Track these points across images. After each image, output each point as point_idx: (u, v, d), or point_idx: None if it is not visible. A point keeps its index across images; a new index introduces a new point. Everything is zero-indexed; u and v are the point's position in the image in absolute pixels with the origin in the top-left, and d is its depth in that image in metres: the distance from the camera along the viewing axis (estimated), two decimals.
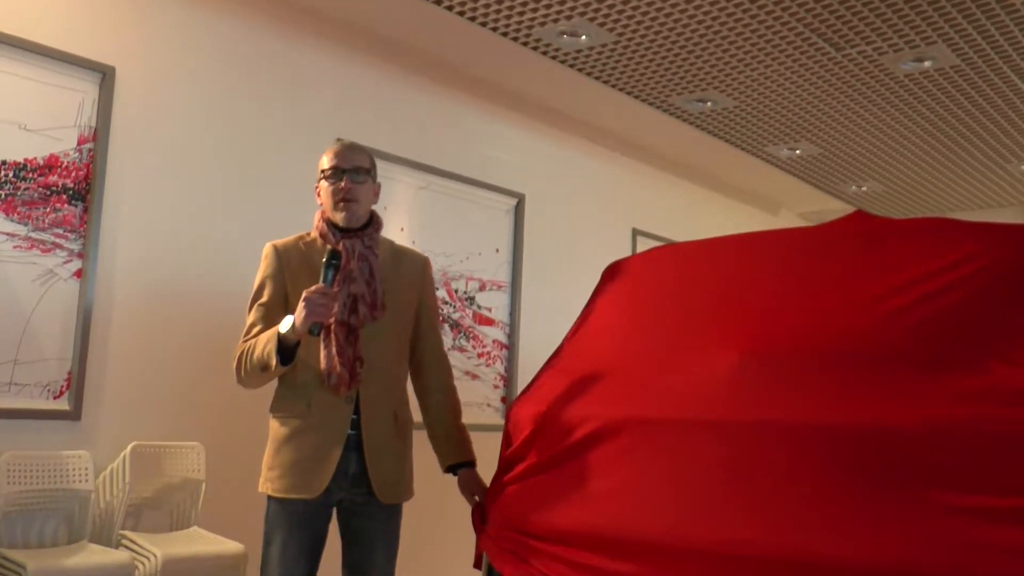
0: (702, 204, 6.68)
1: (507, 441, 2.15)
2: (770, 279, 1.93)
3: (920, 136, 5.54)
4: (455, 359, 4.67)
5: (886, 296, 1.75)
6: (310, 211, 4.14)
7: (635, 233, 6.00)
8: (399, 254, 2.49)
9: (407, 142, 4.53)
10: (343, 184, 2.34)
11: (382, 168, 4.29)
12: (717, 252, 2.14)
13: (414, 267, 2.48)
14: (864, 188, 6.78)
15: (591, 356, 2.10)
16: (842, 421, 1.60)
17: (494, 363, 4.93)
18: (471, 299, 4.83)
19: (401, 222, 4.47)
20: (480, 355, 4.84)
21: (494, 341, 4.94)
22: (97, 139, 3.37)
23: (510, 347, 5.02)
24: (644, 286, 2.19)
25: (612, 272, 2.34)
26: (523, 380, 5.01)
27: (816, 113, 5.20)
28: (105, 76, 3.42)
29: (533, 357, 5.09)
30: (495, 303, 4.98)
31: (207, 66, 3.76)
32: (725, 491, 1.66)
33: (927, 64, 4.39)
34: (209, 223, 3.71)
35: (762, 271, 1.97)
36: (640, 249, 6.02)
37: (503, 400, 4.96)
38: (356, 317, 2.29)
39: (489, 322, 4.93)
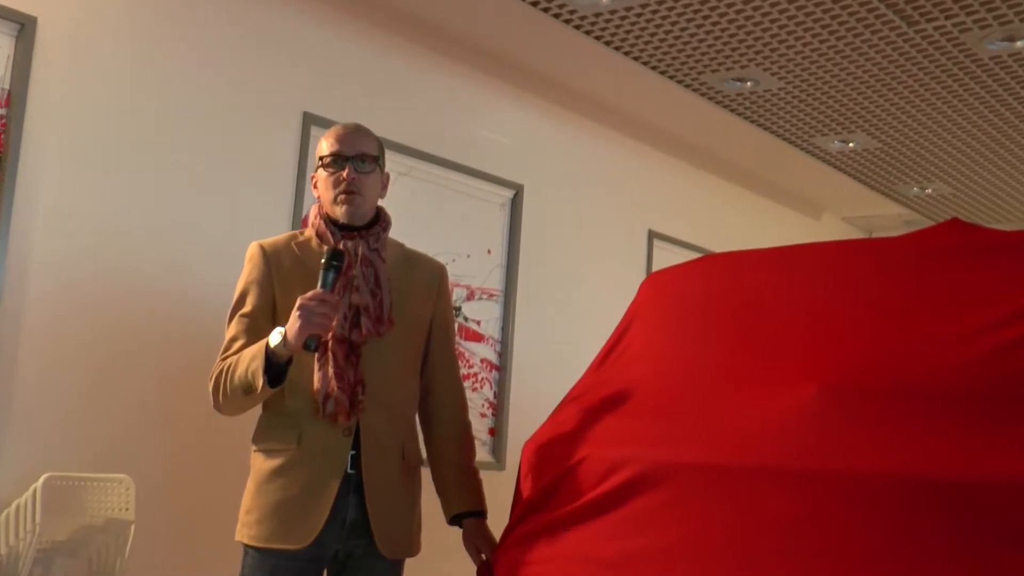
0: (731, 204, 6.69)
1: (522, 488, 2.14)
2: (852, 299, 1.93)
3: (1004, 131, 5.57)
4: None
5: (994, 326, 1.75)
6: (275, 199, 4.15)
7: (651, 236, 6.03)
8: (411, 259, 2.51)
9: (385, 118, 4.50)
10: (345, 174, 2.35)
11: None
12: (785, 264, 2.15)
13: (429, 275, 2.51)
14: (928, 190, 6.82)
15: (629, 386, 2.10)
16: (943, 474, 1.59)
17: (482, 387, 4.91)
18: (456, 309, 4.82)
19: None
20: (466, 377, 4.82)
21: (483, 360, 4.92)
22: (11, 104, 3.31)
23: (502, 368, 5.01)
24: (694, 303, 2.19)
25: (654, 285, 2.34)
26: (516, 408, 5.00)
27: (878, 99, 5.21)
28: (23, 28, 3.35)
29: (529, 381, 5.07)
30: (485, 315, 4.96)
31: (152, 19, 3.71)
32: (798, 555, 1.65)
33: (1020, 44, 4.41)
34: (149, 211, 3.66)
35: (842, 289, 1.96)
36: (657, 255, 6.04)
37: (492, 432, 4.95)
38: (358, 332, 2.30)
39: (477, 337, 4.91)
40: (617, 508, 1.87)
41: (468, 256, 4.89)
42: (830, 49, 4.61)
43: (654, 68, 5.01)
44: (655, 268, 5.96)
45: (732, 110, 5.54)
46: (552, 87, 5.32)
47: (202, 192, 3.83)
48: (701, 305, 2.17)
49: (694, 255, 6.12)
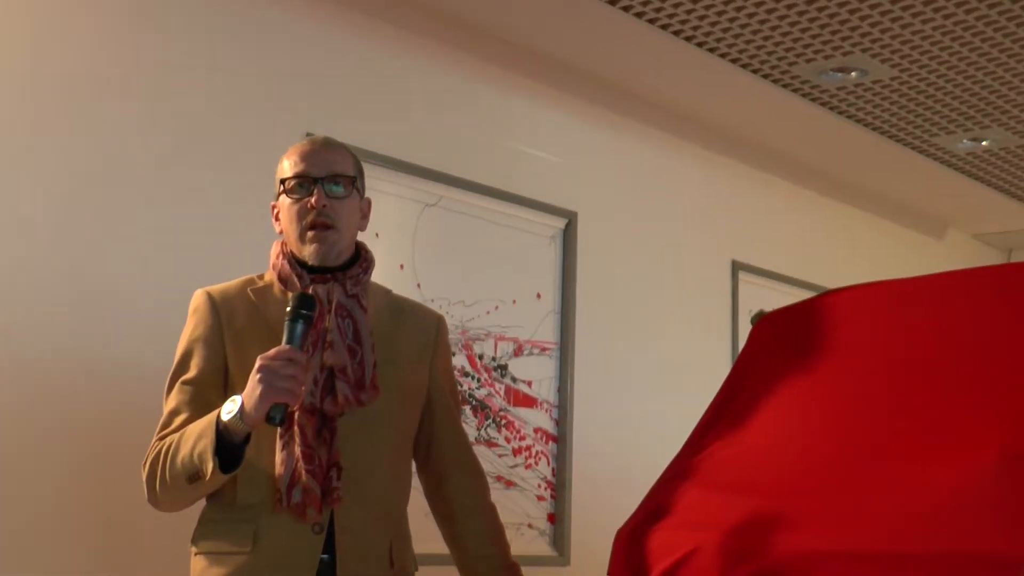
0: (831, 224, 6.67)
1: None
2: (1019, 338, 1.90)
3: None
4: (480, 456, 4.59)
5: None
6: (271, 240, 4.11)
7: (736, 267, 6.04)
8: (399, 308, 2.53)
9: (407, 137, 4.51)
10: (314, 200, 2.34)
11: (371, 176, 4.23)
12: (930, 298, 2.15)
13: (422, 328, 2.52)
14: None
15: (749, 457, 2.10)
16: None
17: (537, 463, 4.90)
18: (502, 368, 4.81)
19: (399, 255, 4.47)
20: (516, 451, 4.82)
21: (536, 430, 4.91)
22: None
23: (561, 439, 4.99)
24: (823, 350, 2.18)
25: (769, 329, 2.35)
26: (581, 487, 4.96)
27: (1018, 84, 5.17)
28: None
29: (595, 454, 5.04)
30: (537, 373, 4.95)
31: (121, 23, 3.75)
32: None
33: None
34: (105, 257, 3.63)
35: (1006, 326, 1.95)
36: (744, 290, 6.04)
37: (551, 519, 4.92)
38: (333, 401, 2.29)
39: (529, 402, 4.90)
40: None
41: (514, 302, 4.88)
42: (956, 25, 4.58)
43: (734, 61, 5.01)
44: (742, 306, 5.96)
45: (832, 108, 5.52)
46: (608, 90, 5.33)
47: (181, 233, 3.81)
48: (832, 352, 2.17)
49: (789, 289, 6.11)
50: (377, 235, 4.32)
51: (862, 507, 1.84)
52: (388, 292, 2.55)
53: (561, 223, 5.11)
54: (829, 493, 1.91)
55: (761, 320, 2.38)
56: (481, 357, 4.72)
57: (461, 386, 4.54)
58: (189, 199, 3.85)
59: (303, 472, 2.22)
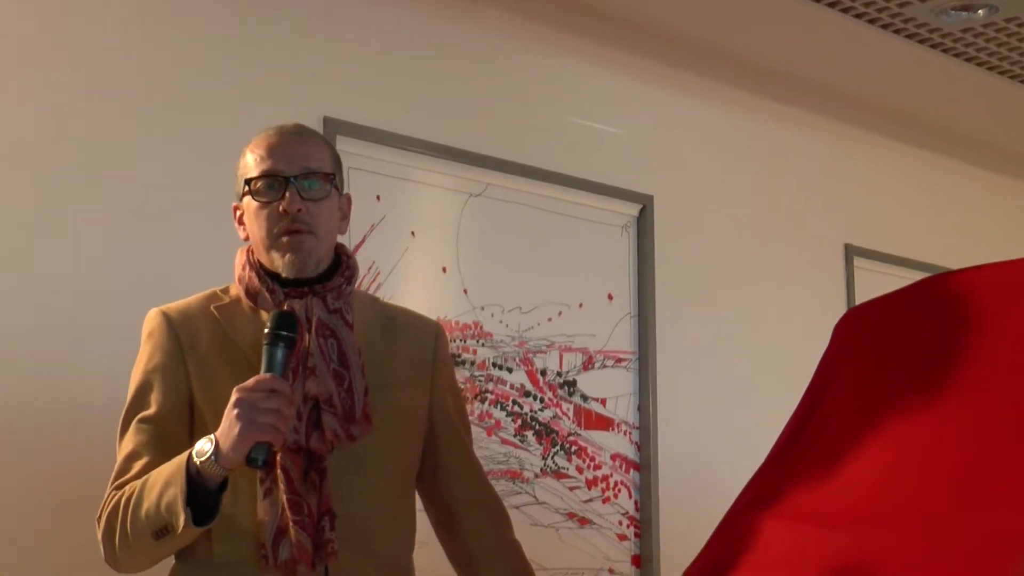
0: (968, 197, 6.58)
1: None
2: None
3: None
4: (548, 490, 4.63)
5: None
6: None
7: (850, 253, 6.00)
8: (391, 320, 2.54)
9: (443, 116, 4.53)
10: (286, 204, 2.35)
11: (403, 163, 4.35)
12: None
13: (419, 341, 2.55)
14: None
15: (837, 480, 2.07)
16: None
17: (616, 496, 4.91)
18: (570, 385, 4.83)
19: (440, 257, 4.48)
20: (591, 483, 4.83)
21: (614, 457, 4.92)
22: None
23: (644, 467, 4.99)
24: (927, 349, 2.15)
25: (855, 327, 2.33)
26: (670, 522, 4.96)
27: None
28: None
29: (687, 482, 5.03)
30: (612, 389, 4.96)
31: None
32: None
33: None
34: (61, 273, 3.64)
35: None
36: (860, 279, 6.00)
37: (636, 562, 4.92)
38: (320, 437, 2.29)
39: (604, 424, 4.91)
40: None
41: (580, 306, 4.89)
42: None
43: (832, 5, 4.96)
44: (859, 299, 5.86)
45: (957, 54, 5.45)
46: (687, 49, 5.31)
47: (164, 241, 3.82)
48: (931, 353, 2.14)
49: (916, 276, 5.99)
50: (413, 234, 4.36)
51: (986, 541, 1.82)
52: (375, 300, 2.60)
53: (634, 210, 5.12)
54: (943, 524, 1.89)
55: (846, 315, 2.35)
56: (544, 373, 4.73)
57: (521, 408, 4.56)
58: (166, 202, 3.86)
59: (290, 523, 2.24)
